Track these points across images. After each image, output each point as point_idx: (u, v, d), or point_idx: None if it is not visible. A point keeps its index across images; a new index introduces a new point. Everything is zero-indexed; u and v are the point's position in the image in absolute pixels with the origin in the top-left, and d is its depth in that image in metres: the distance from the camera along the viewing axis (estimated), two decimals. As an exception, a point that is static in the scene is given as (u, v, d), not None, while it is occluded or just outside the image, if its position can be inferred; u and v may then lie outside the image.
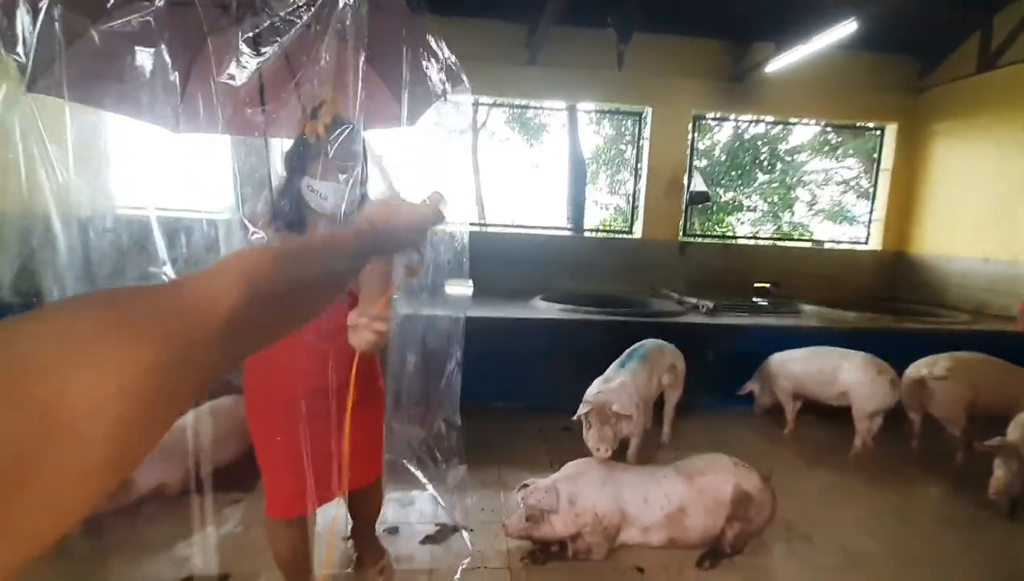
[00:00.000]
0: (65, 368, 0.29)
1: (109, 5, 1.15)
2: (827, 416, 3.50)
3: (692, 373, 3.24)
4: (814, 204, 10.29)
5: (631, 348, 3.07)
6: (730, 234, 8.98)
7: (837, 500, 2.73)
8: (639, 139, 5.53)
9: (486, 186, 9.77)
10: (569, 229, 5.84)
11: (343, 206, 1.40)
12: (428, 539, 2.25)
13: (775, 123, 6.39)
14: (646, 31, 4.93)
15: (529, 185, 10.35)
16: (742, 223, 10.50)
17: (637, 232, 5.48)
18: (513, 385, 3.64)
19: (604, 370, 2.90)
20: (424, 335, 1.78)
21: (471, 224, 5.26)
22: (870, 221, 5.86)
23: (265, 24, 1.28)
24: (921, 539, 2.42)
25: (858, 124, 5.90)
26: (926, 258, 5.33)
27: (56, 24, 1.08)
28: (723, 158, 10.36)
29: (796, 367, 3.42)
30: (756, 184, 10.46)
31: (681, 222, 5.48)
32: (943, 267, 5.13)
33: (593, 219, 9.38)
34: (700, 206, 6.32)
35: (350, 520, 1.99)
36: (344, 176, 1.38)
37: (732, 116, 5.80)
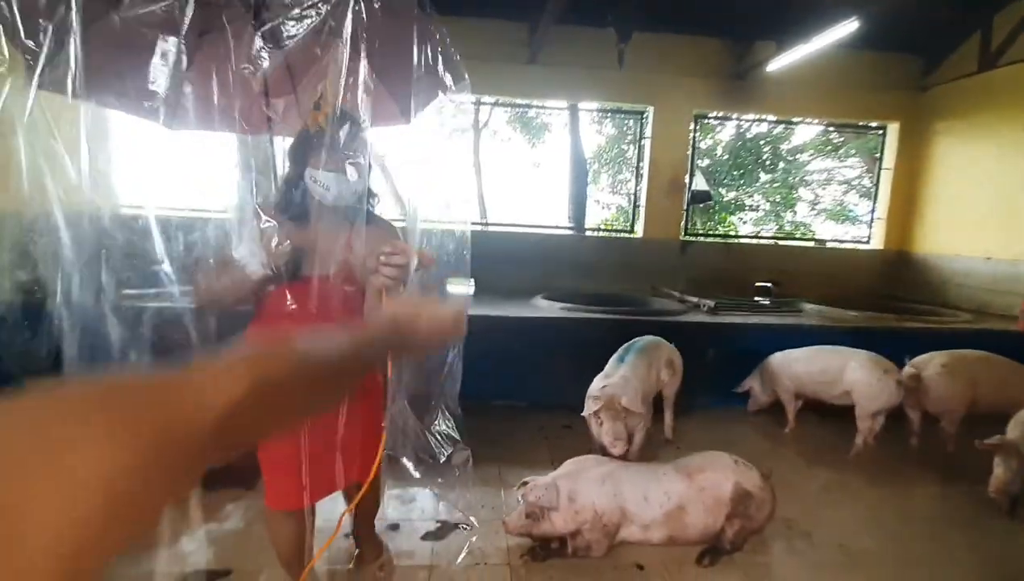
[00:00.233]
0: (33, 468, 0.28)
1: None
2: (827, 415, 3.50)
3: (693, 372, 3.25)
4: (816, 203, 10.27)
5: (627, 343, 3.08)
6: (732, 233, 8.97)
7: (837, 498, 2.73)
8: (640, 138, 5.53)
9: (488, 185, 9.78)
10: (570, 228, 5.85)
11: (346, 196, 1.44)
12: (429, 535, 2.27)
13: (777, 122, 6.39)
14: (647, 30, 4.94)
15: (531, 184, 10.35)
16: (744, 222, 10.48)
17: (638, 231, 5.48)
18: (514, 383, 3.64)
19: (604, 368, 2.91)
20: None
21: (473, 223, 5.26)
22: (872, 220, 5.86)
23: (271, 24, 1.30)
24: (920, 537, 2.42)
25: (860, 123, 5.89)
26: (928, 257, 5.33)
27: (72, 16, 1.09)
28: (725, 157, 10.35)
29: (800, 366, 3.41)
30: (758, 183, 10.44)
31: (683, 221, 5.49)
32: (945, 266, 5.12)
33: (594, 218, 9.37)
34: (702, 205, 6.31)
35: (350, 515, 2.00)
36: (346, 166, 1.41)
37: (734, 115, 5.80)
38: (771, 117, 5.85)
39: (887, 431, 3.15)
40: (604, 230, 6.92)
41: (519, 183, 10.47)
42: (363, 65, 1.31)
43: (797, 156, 10.25)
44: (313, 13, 1.27)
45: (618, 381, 2.65)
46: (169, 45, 1.22)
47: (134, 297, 1.43)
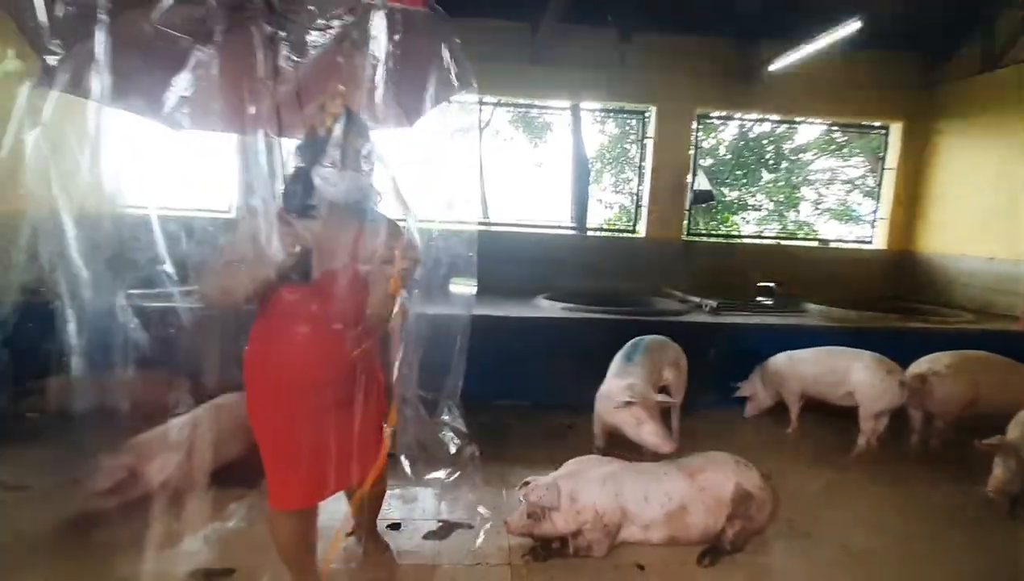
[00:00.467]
0: None
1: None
2: (828, 415, 3.50)
3: (695, 372, 3.24)
4: (820, 203, 10.24)
5: (632, 342, 3.07)
6: (735, 233, 8.95)
7: (838, 498, 2.73)
8: (643, 138, 5.53)
9: (490, 185, 9.78)
10: (573, 228, 5.85)
11: (354, 194, 1.51)
12: (431, 535, 2.27)
13: (780, 122, 6.38)
14: (649, 30, 4.93)
15: (533, 184, 10.35)
16: (747, 222, 10.45)
17: (641, 231, 5.48)
18: (516, 383, 3.65)
19: (607, 368, 2.91)
20: (429, 328, 1.79)
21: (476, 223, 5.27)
22: (875, 220, 5.85)
23: (294, 33, 1.34)
24: (921, 537, 2.42)
25: (863, 123, 5.88)
26: (931, 257, 5.31)
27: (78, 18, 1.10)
28: (728, 157, 10.32)
29: (804, 367, 3.40)
30: (761, 183, 10.41)
31: (685, 221, 5.48)
32: (948, 266, 5.11)
33: (597, 218, 9.36)
34: (704, 205, 6.31)
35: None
36: (352, 164, 1.47)
37: (736, 115, 5.79)
38: (774, 117, 5.84)
39: (888, 431, 3.15)
40: (606, 230, 6.92)
41: (521, 183, 10.47)
42: (379, 72, 1.36)
43: (800, 155, 10.21)
44: (336, 23, 1.30)
45: (637, 380, 2.64)
46: (193, 49, 1.24)
47: (148, 296, 1.45)
